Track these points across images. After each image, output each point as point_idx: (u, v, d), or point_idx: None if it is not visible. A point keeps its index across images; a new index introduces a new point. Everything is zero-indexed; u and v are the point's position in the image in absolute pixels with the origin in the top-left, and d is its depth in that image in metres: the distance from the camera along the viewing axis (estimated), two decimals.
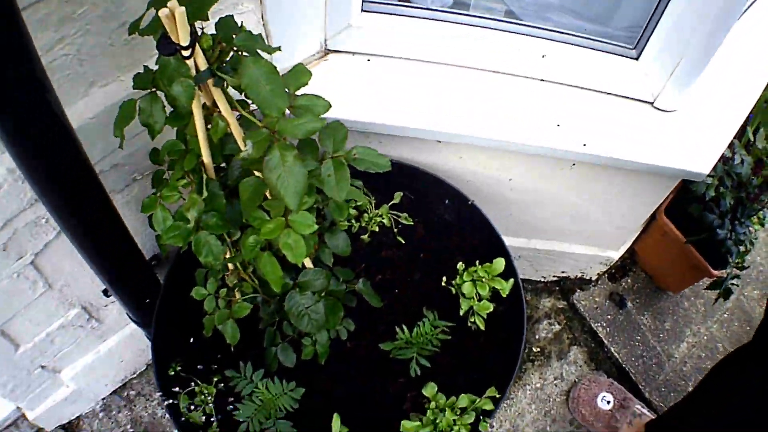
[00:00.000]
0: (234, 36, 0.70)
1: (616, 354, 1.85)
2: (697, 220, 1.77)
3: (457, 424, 1.04)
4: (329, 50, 1.22)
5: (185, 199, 0.85)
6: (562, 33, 1.35)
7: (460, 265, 1.22)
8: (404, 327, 1.14)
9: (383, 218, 1.27)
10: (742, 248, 1.77)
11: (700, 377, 1.88)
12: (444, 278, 1.22)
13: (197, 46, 0.66)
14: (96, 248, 0.95)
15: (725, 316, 2.09)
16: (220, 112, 0.74)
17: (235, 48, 0.69)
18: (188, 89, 0.67)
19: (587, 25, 1.40)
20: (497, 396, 1.07)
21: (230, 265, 0.98)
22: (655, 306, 2.02)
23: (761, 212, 1.80)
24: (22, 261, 1.05)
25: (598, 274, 1.92)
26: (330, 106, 0.75)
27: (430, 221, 1.30)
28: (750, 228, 1.79)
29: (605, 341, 1.87)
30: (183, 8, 0.61)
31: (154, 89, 0.75)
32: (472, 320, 1.18)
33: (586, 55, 1.36)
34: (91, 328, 1.32)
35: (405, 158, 1.36)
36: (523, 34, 1.32)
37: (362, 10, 1.21)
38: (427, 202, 1.32)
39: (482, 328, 1.17)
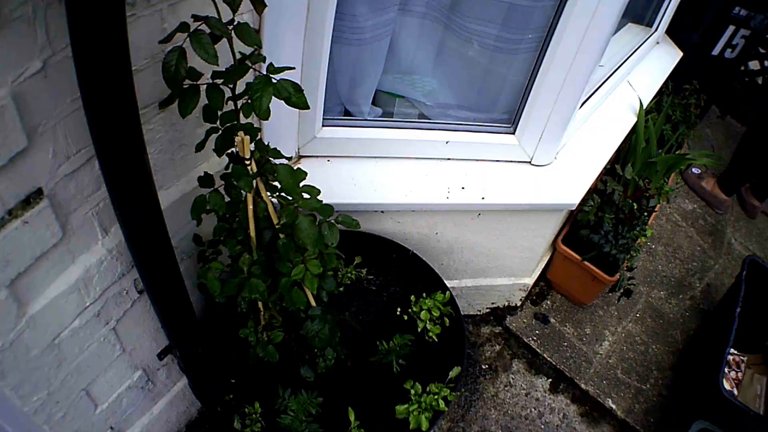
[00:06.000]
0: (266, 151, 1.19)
1: (549, 359, 2.32)
2: (587, 242, 2.29)
3: (435, 399, 1.47)
4: (301, 156, 1.70)
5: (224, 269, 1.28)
6: (459, 124, 1.89)
7: (412, 298, 1.69)
8: (383, 341, 1.58)
9: (351, 275, 1.73)
10: (627, 255, 2.30)
11: (625, 365, 2.36)
12: (400, 309, 1.67)
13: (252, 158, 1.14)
14: (167, 305, 1.27)
15: (638, 315, 2.59)
16: (262, 198, 1.21)
17: (269, 159, 1.17)
18: (249, 182, 1.13)
19: (477, 115, 1.97)
20: (454, 377, 1.51)
21: (262, 310, 1.41)
22: (574, 318, 2.51)
23: (639, 227, 2.32)
24: (108, 326, 1.26)
25: (521, 299, 2.41)
26: (320, 192, 1.23)
27: (384, 271, 1.76)
28: (633, 240, 2.29)
29: (538, 350, 2.34)
30: (248, 136, 1.09)
31: (216, 187, 1.21)
32: (430, 335, 1.63)
33: (477, 137, 1.90)
34: (147, 390, 1.53)
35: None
36: (432, 129, 1.84)
37: (322, 125, 1.67)
38: (380, 258, 1.78)
39: (436, 340, 1.62)
